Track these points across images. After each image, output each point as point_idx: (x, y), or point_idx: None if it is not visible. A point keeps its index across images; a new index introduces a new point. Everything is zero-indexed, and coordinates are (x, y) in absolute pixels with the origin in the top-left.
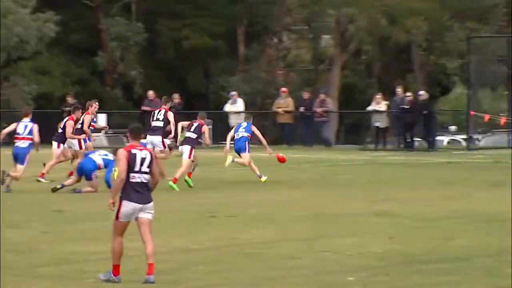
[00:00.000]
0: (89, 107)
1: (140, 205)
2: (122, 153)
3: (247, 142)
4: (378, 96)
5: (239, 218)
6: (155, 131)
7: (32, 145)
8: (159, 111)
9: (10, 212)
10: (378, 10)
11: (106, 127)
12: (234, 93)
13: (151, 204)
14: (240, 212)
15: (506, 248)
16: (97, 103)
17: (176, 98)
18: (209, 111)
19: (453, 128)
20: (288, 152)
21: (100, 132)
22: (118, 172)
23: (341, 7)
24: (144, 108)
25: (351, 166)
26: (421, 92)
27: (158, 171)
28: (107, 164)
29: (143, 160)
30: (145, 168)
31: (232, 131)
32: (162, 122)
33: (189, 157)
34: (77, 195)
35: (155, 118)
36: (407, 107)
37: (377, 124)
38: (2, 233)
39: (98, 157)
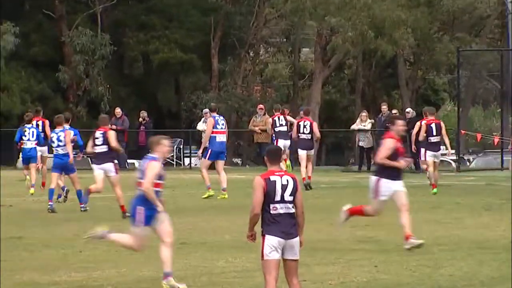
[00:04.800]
0: None
1: (284, 241)
2: (257, 181)
3: None
4: (364, 114)
5: (211, 245)
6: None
7: None
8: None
9: None
10: (365, 20)
11: None
12: (207, 110)
13: (296, 239)
14: (212, 238)
15: (498, 277)
16: None
17: (144, 115)
18: (180, 130)
19: (442, 148)
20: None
21: None
22: (252, 204)
23: (323, 17)
24: (111, 126)
25: (333, 189)
26: (408, 110)
27: (302, 200)
28: None
29: (284, 187)
30: (287, 197)
31: None
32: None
33: None
34: (37, 221)
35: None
36: None
37: (361, 143)
38: None
39: None
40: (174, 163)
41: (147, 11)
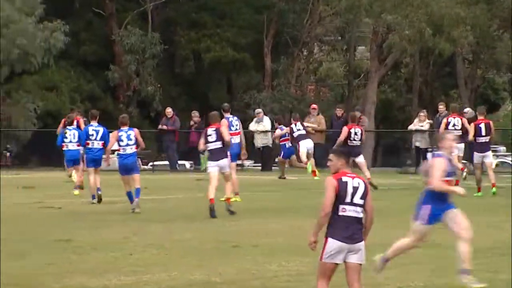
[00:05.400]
0: None
1: (348, 245)
2: (329, 181)
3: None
4: (422, 114)
5: (264, 248)
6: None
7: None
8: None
9: (12, 242)
10: (423, 18)
11: None
12: (260, 110)
13: (361, 244)
14: (265, 241)
15: None
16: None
17: (196, 116)
18: None
19: (502, 149)
20: (319, 176)
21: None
22: (323, 204)
23: (379, 14)
24: (162, 126)
25: (389, 191)
26: (467, 110)
27: (372, 208)
28: None
29: (355, 189)
30: (357, 200)
31: None
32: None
33: None
34: (86, 223)
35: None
36: None
37: (418, 144)
38: (1, 265)
39: None
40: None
41: (199, 9)
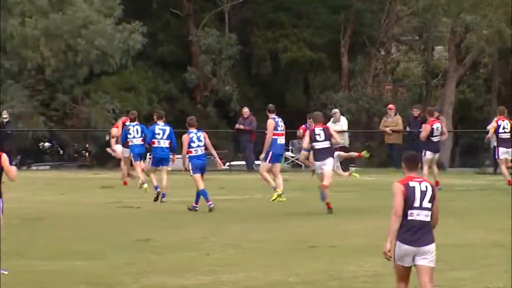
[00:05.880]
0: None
1: (414, 248)
2: (397, 187)
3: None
4: None
5: (341, 249)
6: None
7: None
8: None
9: (89, 241)
10: (502, 17)
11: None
12: (336, 110)
13: (429, 247)
14: (342, 242)
15: None
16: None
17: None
18: None
19: None
20: (396, 176)
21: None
22: (394, 209)
23: (457, 14)
24: (239, 126)
25: (467, 192)
26: None
27: (438, 209)
28: None
29: (423, 193)
30: (426, 204)
31: None
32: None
33: None
34: (164, 223)
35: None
36: None
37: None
38: (80, 265)
39: None
40: (302, 164)
41: (276, 9)
